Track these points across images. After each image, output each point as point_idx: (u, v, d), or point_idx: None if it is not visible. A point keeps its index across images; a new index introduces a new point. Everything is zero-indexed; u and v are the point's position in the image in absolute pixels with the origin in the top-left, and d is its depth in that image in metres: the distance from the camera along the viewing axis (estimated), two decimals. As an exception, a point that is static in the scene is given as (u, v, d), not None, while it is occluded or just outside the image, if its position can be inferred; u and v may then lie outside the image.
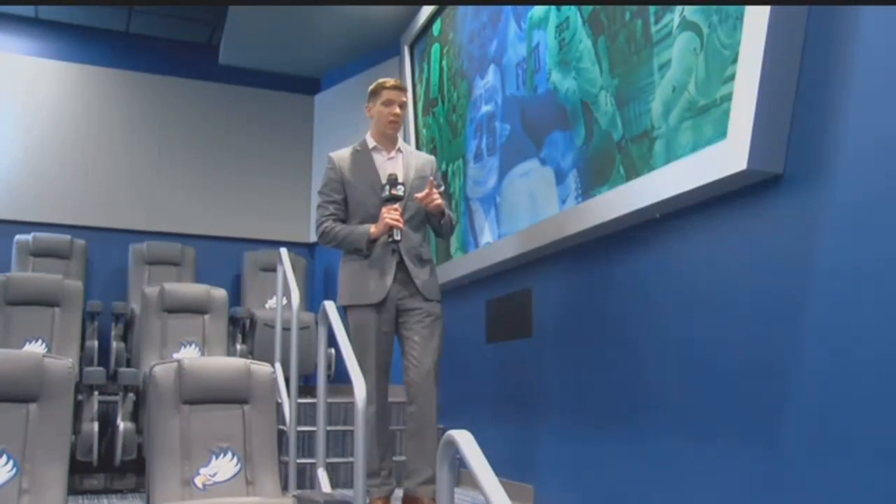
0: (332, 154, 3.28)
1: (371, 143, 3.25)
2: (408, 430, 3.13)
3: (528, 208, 3.76)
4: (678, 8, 2.74)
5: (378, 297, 3.08)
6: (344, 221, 3.19)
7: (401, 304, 3.12)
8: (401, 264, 3.11)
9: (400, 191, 3.09)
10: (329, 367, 4.59)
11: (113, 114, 6.36)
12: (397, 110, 3.19)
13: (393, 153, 3.25)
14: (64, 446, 2.47)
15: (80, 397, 4.01)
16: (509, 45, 4.03)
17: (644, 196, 2.82)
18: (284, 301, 4.20)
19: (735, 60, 2.43)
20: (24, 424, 2.41)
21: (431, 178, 3.15)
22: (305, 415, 4.14)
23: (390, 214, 3.04)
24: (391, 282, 3.09)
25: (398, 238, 3.05)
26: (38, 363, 2.49)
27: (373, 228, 3.08)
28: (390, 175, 3.12)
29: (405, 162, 3.24)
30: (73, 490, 4.02)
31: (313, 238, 6.64)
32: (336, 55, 6.41)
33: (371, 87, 3.30)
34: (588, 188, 3.26)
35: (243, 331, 5.52)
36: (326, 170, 3.24)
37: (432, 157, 3.42)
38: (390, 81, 3.27)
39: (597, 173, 3.21)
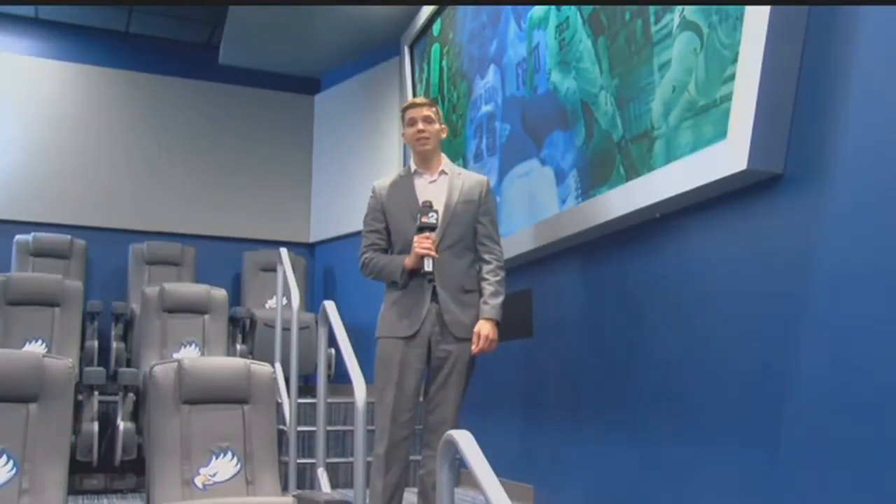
0: (375, 182, 3.09)
1: (413, 167, 3.05)
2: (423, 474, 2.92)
3: (528, 208, 3.76)
4: (678, 8, 2.74)
5: (408, 331, 2.86)
6: (386, 251, 3.01)
7: (433, 341, 2.88)
8: (436, 296, 2.87)
9: (432, 219, 2.85)
10: (329, 367, 4.58)
11: (113, 114, 6.35)
12: (420, 126, 2.97)
13: (435, 176, 3.01)
14: (64, 446, 2.47)
15: (80, 397, 4.01)
16: (509, 45, 4.02)
17: (644, 196, 2.82)
18: (284, 301, 4.20)
19: (735, 60, 2.43)
20: (24, 424, 2.41)
21: (477, 331, 2.85)
22: (305, 415, 4.14)
23: (421, 244, 2.82)
24: (424, 315, 2.86)
25: (429, 269, 2.81)
26: (38, 363, 2.48)
27: (406, 259, 2.87)
28: (424, 202, 2.90)
29: (449, 185, 2.99)
30: (73, 490, 4.02)
31: (313, 238, 6.65)
32: (336, 55, 6.41)
33: None
34: (588, 188, 3.26)
35: (243, 331, 5.52)
36: (369, 199, 3.06)
37: (484, 179, 3.06)
38: (409, 100, 3.11)
39: (597, 173, 3.21)
